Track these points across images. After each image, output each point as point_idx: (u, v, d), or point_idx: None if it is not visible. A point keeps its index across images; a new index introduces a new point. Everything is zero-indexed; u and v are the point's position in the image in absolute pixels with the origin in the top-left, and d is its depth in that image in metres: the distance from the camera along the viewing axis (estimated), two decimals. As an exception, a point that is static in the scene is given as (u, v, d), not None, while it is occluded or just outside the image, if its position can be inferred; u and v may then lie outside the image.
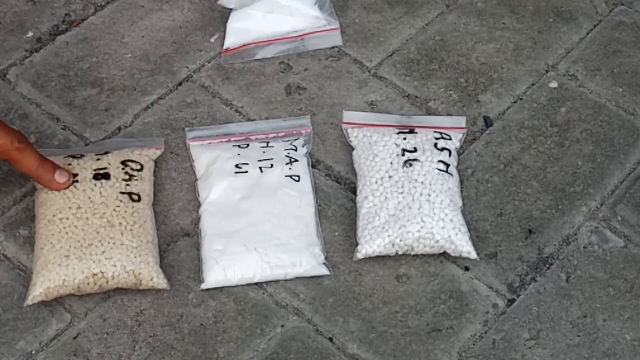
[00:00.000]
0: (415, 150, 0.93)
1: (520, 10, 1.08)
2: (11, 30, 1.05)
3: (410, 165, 0.92)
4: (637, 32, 1.07)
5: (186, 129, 0.97)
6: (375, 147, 0.94)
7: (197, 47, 1.04)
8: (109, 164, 0.91)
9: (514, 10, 1.08)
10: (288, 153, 0.94)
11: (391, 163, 0.92)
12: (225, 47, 1.03)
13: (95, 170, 0.90)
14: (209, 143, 0.96)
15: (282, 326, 0.86)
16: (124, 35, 1.05)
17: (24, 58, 1.03)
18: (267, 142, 0.96)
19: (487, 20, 1.08)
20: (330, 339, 0.86)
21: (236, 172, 0.93)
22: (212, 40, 1.05)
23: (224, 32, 1.05)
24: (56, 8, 1.07)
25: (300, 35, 1.02)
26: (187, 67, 1.03)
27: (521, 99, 1.02)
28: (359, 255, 0.89)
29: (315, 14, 1.04)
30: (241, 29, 1.03)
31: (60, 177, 0.90)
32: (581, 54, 1.05)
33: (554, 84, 1.02)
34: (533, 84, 1.03)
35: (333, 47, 1.05)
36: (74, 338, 0.85)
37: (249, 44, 1.03)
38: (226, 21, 1.04)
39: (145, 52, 1.03)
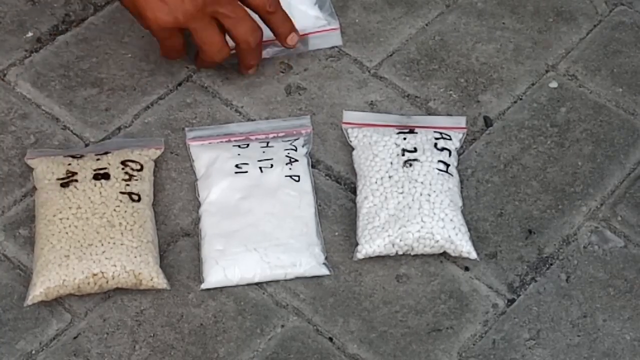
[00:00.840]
0: (415, 150, 0.93)
1: (520, 10, 1.08)
2: (11, 30, 1.05)
3: (410, 165, 0.92)
4: (637, 32, 1.07)
5: (186, 129, 0.97)
6: (375, 147, 0.94)
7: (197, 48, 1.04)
8: (109, 164, 0.91)
9: (514, 11, 1.08)
10: (288, 153, 0.94)
11: (391, 163, 0.92)
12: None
13: (95, 170, 0.90)
14: (209, 143, 0.96)
15: (282, 326, 0.86)
16: (124, 35, 1.05)
17: (24, 58, 1.03)
18: (267, 142, 0.96)
19: (487, 21, 1.08)
20: (331, 339, 0.86)
21: (236, 172, 0.93)
22: (212, 40, 1.05)
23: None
24: (56, 8, 1.07)
25: (300, 36, 1.01)
26: (187, 67, 1.03)
27: (521, 99, 1.02)
28: (359, 256, 0.89)
29: (315, 14, 1.04)
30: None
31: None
32: (581, 54, 1.05)
33: (554, 84, 1.02)
34: (533, 84, 1.03)
35: (333, 47, 1.05)
36: (74, 338, 0.85)
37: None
38: None
39: (146, 52, 1.03)
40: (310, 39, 1.04)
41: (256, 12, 0.97)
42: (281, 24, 0.99)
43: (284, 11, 0.99)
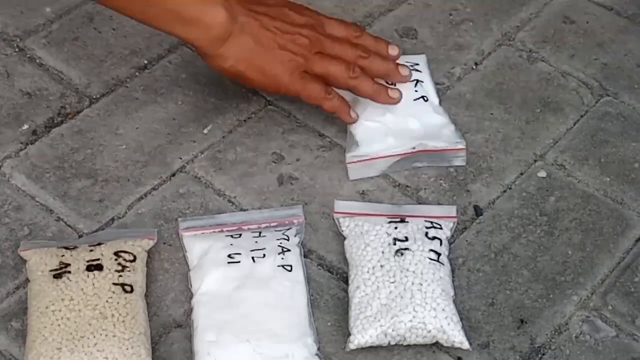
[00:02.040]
0: (406, 239, 0.93)
1: (508, 101, 1.10)
2: (7, 123, 1.06)
3: (402, 254, 0.92)
4: (623, 122, 1.08)
5: (179, 219, 0.98)
6: (366, 237, 0.94)
7: (191, 139, 1.05)
8: (102, 255, 0.92)
9: (501, 102, 1.10)
10: (280, 243, 0.95)
11: (383, 252, 0.93)
12: (353, 158, 1.03)
13: (88, 261, 0.91)
14: (202, 233, 0.96)
15: (275, 418, 0.86)
16: (118, 127, 1.06)
17: (19, 150, 1.04)
18: (260, 232, 0.96)
19: (475, 111, 1.09)
20: None
21: (229, 262, 0.93)
22: (205, 131, 1.06)
23: (219, 124, 1.07)
24: (52, 101, 1.08)
25: (425, 152, 1.03)
26: (181, 158, 1.04)
27: (510, 188, 1.03)
28: (352, 346, 0.89)
29: (444, 138, 1.04)
30: (367, 143, 1.03)
31: (393, 93, 1.03)
32: (569, 144, 1.06)
33: (542, 174, 1.04)
34: (522, 174, 1.04)
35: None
36: None
37: (374, 158, 1.03)
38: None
39: (140, 143, 1.05)
40: (440, 156, 1.03)
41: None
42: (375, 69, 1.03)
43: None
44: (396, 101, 1.03)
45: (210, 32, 0.96)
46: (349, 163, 1.03)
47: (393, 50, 1.06)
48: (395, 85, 1.05)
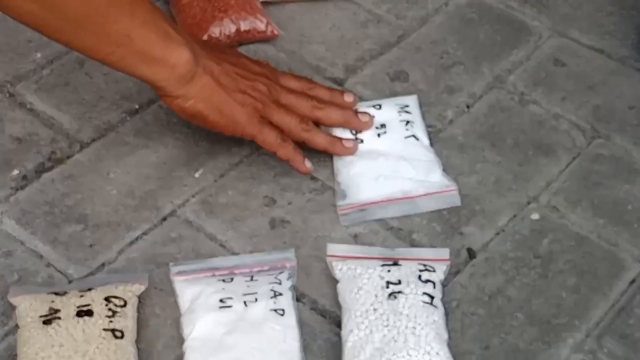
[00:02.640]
0: (399, 282, 0.93)
1: (500, 143, 1.10)
2: (-3, 168, 1.06)
3: (395, 297, 0.92)
4: (615, 164, 1.08)
5: (170, 264, 0.97)
6: (359, 280, 0.94)
7: (182, 182, 1.05)
8: (93, 300, 0.91)
9: (494, 144, 1.10)
10: (272, 287, 0.94)
11: (376, 295, 0.92)
12: (343, 206, 1.03)
13: (78, 307, 0.90)
14: (194, 278, 0.96)
15: None
16: (109, 171, 1.06)
17: (9, 196, 1.03)
18: (252, 276, 0.96)
19: (468, 154, 1.09)
20: None
21: (221, 307, 0.92)
22: (196, 175, 1.06)
23: (210, 168, 1.06)
24: (42, 146, 1.08)
25: (417, 196, 1.03)
26: (172, 202, 1.03)
27: (504, 230, 1.02)
28: (345, 391, 0.88)
29: (434, 180, 1.04)
30: (357, 189, 1.03)
31: (348, 143, 1.05)
32: (561, 186, 1.06)
33: (535, 216, 1.03)
34: (515, 216, 1.04)
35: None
36: None
37: (366, 204, 1.03)
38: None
39: (131, 187, 1.04)
40: (426, 200, 1.03)
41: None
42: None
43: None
44: (352, 151, 1.05)
45: (175, 72, 0.98)
46: (340, 212, 1.02)
47: (348, 97, 1.08)
48: (357, 134, 1.07)
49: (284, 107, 1.03)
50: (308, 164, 1.05)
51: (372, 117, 1.08)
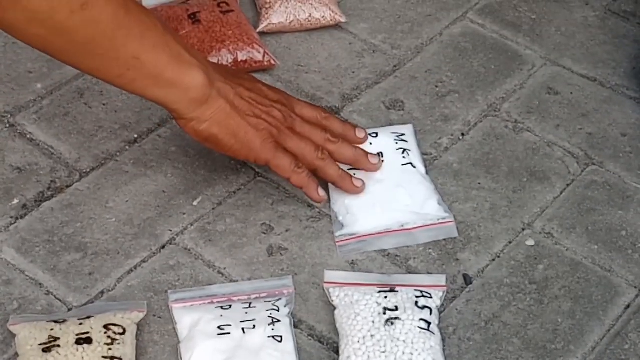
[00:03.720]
0: (396, 308, 0.93)
1: (495, 170, 1.11)
2: (-3, 197, 1.07)
3: (392, 324, 0.92)
4: (609, 190, 1.09)
5: (169, 291, 0.98)
6: (357, 306, 0.94)
7: (181, 211, 1.06)
8: (92, 328, 0.91)
9: (489, 171, 1.11)
10: (270, 313, 0.95)
11: (373, 322, 0.93)
12: (340, 237, 1.03)
13: (77, 335, 0.90)
14: (192, 305, 0.96)
15: None
16: (108, 200, 1.07)
17: (9, 225, 1.04)
18: (250, 303, 0.96)
19: (463, 181, 1.10)
20: None
21: (219, 334, 0.93)
22: (195, 203, 1.07)
23: (209, 196, 1.07)
24: (42, 175, 1.09)
25: (414, 228, 1.03)
26: (171, 230, 1.04)
27: (499, 256, 1.03)
28: (343, 417, 0.89)
29: (431, 211, 1.05)
30: (354, 220, 1.04)
31: (357, 182, 1.04)
32: (556, 212, 1.07)
33: (530, 242, 1.04)
34: (510, 242, 1.04)
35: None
36: None
37: (363, 236, 1.03)
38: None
39: (130, 216, 1.05)
40: (423, 231, 1.04)
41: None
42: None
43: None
44: (360, 190, 1.05)
45: (188, 95, 0.97)
46: (338, 243, 1.03)
47: (360, 133, 1.08)
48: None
49: (299, 134, 1.03)
50: (322, 193, 1.04)
51: (381, 161, 1.07)
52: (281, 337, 0.93)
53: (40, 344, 0.90)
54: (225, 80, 1.00)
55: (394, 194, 1.05)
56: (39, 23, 0.89)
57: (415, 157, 1.09)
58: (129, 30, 0.93)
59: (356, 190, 1.04)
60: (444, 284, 0.98)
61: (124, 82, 0.96)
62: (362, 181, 1.05)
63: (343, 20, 1.26)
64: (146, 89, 0.97)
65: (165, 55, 0.95)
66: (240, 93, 1.01)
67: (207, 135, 1.00)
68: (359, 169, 1.06)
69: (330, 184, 1.06)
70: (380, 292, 0.95)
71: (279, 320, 0.94)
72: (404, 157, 1.08)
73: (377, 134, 1.11)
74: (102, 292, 0.99)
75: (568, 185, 1.10)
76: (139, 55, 0.94)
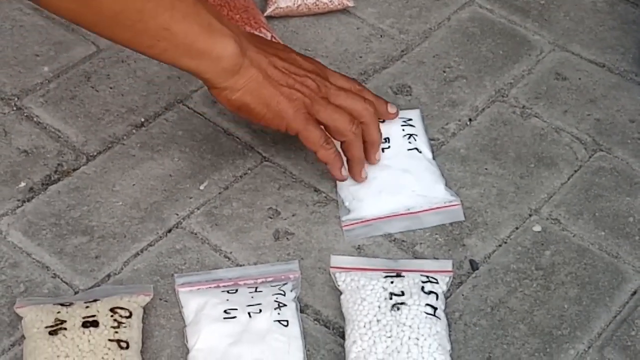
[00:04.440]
0: (402, 293, 0.93)
1: (502, 156, 1.11)
2: (4, 180, 1.06)
3: (398, 309, 0.92)
4: (616, 177, 1.09)
5: (175, 275, 0.98)
6: (363, 291, 0.94)
7: (187, 195, 1.06)
8: (98, 311, 0.91)
9: (496, 157, 1.11)
10: (276, 298, 0.95)
11: (379, 307, 0.93)
12: (347, 221, 1.03)
13: (84, 318, 0.91)
14: (198, 289, 0.96)
15: None
16: (115, 184, 1.07)
17: (16, 208, 1.04)
18: (256, 288, 0.96)
19: (470, 166, 1.10)
20: None
21: (225, 318, 0.93)
22: (201, 187, 1.07)
23: (215, 180, 1.07)
24: (49, 159, 1.09)
25: (421, 212, 1.03)
26: (177, 214, 1.04)
27: (506, 242, 1.03)
28: (348, 401, 0.89)
29: (438, 195, 1.05)
30: (361, 205, 1.04)
31: (364, 173, 1.04)
32: (563, 198, 1.07)
33: (537, 228, 1.04)
34: (517, 228, 1.04)
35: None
36: None
37: (370, 220, 1.03)
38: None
39: (136, 200, 1.05)
40: (430, 215, 1.04)
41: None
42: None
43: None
44: (362, 181, 1.04)
45: (220, 64, 0.97)
46: (344, 227, 1.03)
47: (392, 109, 1.08)
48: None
49: (333, 105, 1.02)
50: (345, 172, 1.04)
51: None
52: (287, 321, 0.93)
53: (46, 327, 0.90)
54: (258, 49, 1.00)
55: (400, 179, 1.05)
56: None
57: (422, 142, 1.09)
58: (158, 1, 0.93)
59: (360, 179, 1.04)
60: (450, 269, 0.98)
61: (155, 53, 0.96)
62: (365, 173, 1.05)
63: (351, 4, 1.26)
64: (178, 59, 0.97)
65: (196, 25, 0.95)
66: (273, 62, 1.00)
67: (239, 104, 0.99)
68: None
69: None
70: (386, 277, 0.95)
71: (285, 305, 0.94)
72: (410, 142, 1.08)
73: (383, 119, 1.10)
74: (109, 276, 0.99)
75: (575, 171, 1.10)
76: (169, 26, 0.94)
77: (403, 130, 1.09)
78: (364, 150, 1.04)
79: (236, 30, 0.99)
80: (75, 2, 0.91)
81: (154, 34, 0.94)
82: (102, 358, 0.88)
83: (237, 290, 0.96)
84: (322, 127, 1.02)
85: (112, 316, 0.91)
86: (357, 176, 1.04)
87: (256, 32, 1.19)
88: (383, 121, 1.10)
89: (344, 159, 1.04)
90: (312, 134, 1.01)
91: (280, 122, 1.00)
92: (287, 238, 1.03)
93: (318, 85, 1.02)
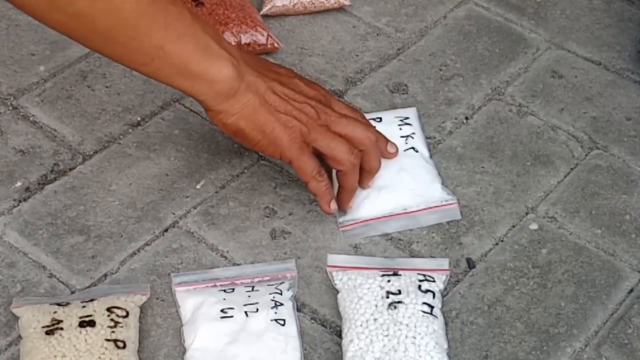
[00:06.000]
0: (399, 292, 0.94)
1: (499, 154, 1.11)
2: (0, 180, 1.06)
3: (395, 307, 0.92)
4: (613, 175, 1.09)
5: (172, 274, 0.98)
6: (359, 290, 0.94)
7: (184, 194, 1.06)
8: (95, 311, 0.91)
9: (492, 155, 1.11)
10: (273, 297, 0.95)
11: (376, 306, 0.93)
12: (344, 222, 1.03)
13: (80, 317, 0.90)
14: (195, 288, 0.96)
15: None
16: (111, 183, 1.07)
17: (12, 207, 1.04)
18: (253, 287, 0.96)
19: (466, 165, 1.10)
20: None
21: (222, 317, 0.93)
22: (198, 186, 1.07)
23: (212, 179, 1.07)
24: (45, 158, 1.09)
25: (418, 211, 1.03)
26: (174, 214, 1.04)
27: (502, 240, 1.03)
28: (346, 400, 0.89)
29: (434, 194, 1.05)
30: (358, 205, 1.04)
31: (351, 203, 1.03)
32: (560, 196, 1.07)
33: (534, 226, 1.04)
34: (514, 226, 1.04)
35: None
36: None
37: (367, 220, 1.03)
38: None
39: (132, 199, 1.05)
40: (427, 214, 1.04)
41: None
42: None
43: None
44: (349, 208, 1.03)
45: (215, 87, 0.95)
46: (341, 228, 1.03)
47: (392, 149, 1.05)
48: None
49: (333, 133, 0.99)
50: (333, 206, 1.01)
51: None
52: (284, 320, 0.93)
53: (43, 327, 0.90)
54: (258, 73, 0.98)
55: (397, 178, 1.05)
56: (59, 10, 0.89)
57: (419, 141, 1.09)
58: (153, 19, 0.91)
59: (347, 208, 1.03)
60: (447, 267, 0.98)
61: (149, 71, 0.95)
62: (348, 209, 1.03)
63: (347, 3, 1.26)
64: (172, 78, 0.95)
65: (191, 46, 0.93)
66: (272, 87, 0.98)
67: (234, 129, 0.98)
68: None
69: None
70: (383, 275, 0.95)
71: (282, 304, 0.94)
72: (407, 141, 1.08)
73: (380, 118, 1.10)
74: (105, 275, 0.99)
75: (572, 169, 1.10)
76: (163, 46, 0.92)
77: (400, 129, 1.09)
78: (359, 175, 1.02)
79: (236, 53, 0.97)
80: (66, 16, 0.89)
81: (147, 52, 0.93)
82: (99, 358, 0.88)
83: (234, 290, 0.96)
84: (321, 153, 1.00)
85: (108, 316, 0.91)
86: (344, 204, 1.03)
87: (252, 31, 1.19)
88: (380, 120, 1.10)
89: (336, 186, 1.03)
90: (306, 165, 0.99)
91: (274, 149, 0.98)
92: (283, 237, 1.03)
93: (317, 112, 0.99)
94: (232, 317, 0.93)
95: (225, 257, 1.01)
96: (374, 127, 1.04)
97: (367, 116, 1.10)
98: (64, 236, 1.02)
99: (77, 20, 0.90)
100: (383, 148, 1.04)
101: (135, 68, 0.96)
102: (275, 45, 1.20)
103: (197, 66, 0.94)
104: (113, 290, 0.95)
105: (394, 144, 1.06)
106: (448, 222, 1.04)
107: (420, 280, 0.95)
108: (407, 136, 1.08)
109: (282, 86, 0.99)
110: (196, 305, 0.94)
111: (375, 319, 0.92)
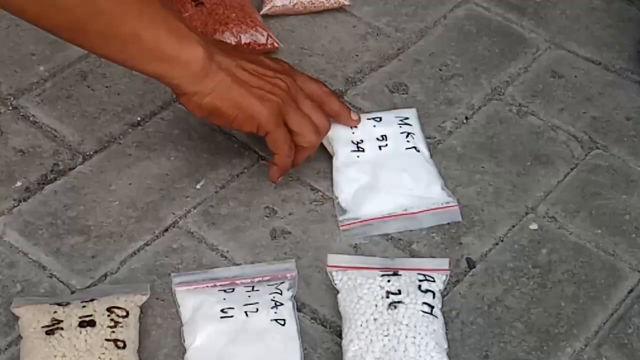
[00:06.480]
0: (399, 292, 0.94)
1: (499, 154, 1.11)
2: (0, 180, 1.06)
3: (395, 307, 0.92)
4: (613, 174, 1.09)
5: (172, 274, 0.98)
6: (359, 290, 0.94)
7: (184, 194, 1.06)
8: (95, 311, 0.91)
9: (492, 155, 1.11)
10: (273, 297, 0.95)
11: (376, 306, 0.93)
12: (344, 222, 1.04)
13: (80, 317, 0.90)
14: (195, 288, 0.96)
15: None
16: (111, 183, 1.07)
17: (12, 207, 1.04)
18: (253, 287, 0.96)
19: (466, 165, 1.10)
20: None
21: (222, 317, 0.93)
22: (198, 186, 1.07)
23: (212, 179, 1.07)
24: (45, 158, 1.09)
25: (418, 212, 1.03)
26: (174, 214, 1.04)
27: (502, 240, 1.03)
28: (346, 400, 0.89)
29: (435, 196, 1.05)
30: (358, 205, 1.04)
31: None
32: (560, 196, 1.07)
33: (534, 226, 1.04)
34: (514, 226, 1.04)
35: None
36: None
37: (367, 220, 1.03)
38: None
39: (132, 199, 1.05)
40: (427, 215, 1.04)
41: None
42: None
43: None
44: (276, 182, 1.06)
45: (189, 69, 0.97)
46: (341, 227, 1.03)
47: (354, 116, 1.09)
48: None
49: (301, 111, 1.03)
50: (281, 179, 1.05)
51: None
52: (284, 320, 0.93)
53: (43, 327, 0.90)
54: (225, 53, 1.00)
55: (397, 178, 1.05)
56: (36, 1, 0.90)
57: (419, 141, 1.09)
58: (126, 6, 0.93)
59: (275, 182, 1.06)
60: (447, 267, 0.98)
61: (124, 58, 0.96)
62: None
63: (347, 2, 1.26)
64: (146, 64, 0.97)
65: (164, 31, 0.96)
66: (241, 65, 1.01)
67: (210, 108, 0.99)
68: None
69: (333, 168, 1.06)
70: (383, 275, 0.95)
71: (282, 304, 0.94)
72: (407, 141, 1.08)
73: (380, 118, 1.10)
74: (105, 275, 0.99)
75: (572, 169, 1.10)
76: (138, 32, 0.94)
77: (400, 128, 1.09)
78: (296, 150, 1.04)
79: (202, 36, 1.00)
80: (41, 6, 0.90)
81: (122, 39, 0.94)
82: (99, 358, 0.88)
83: (234, 290, 0.96)
84: (287, 126, 1.02)
85: (108, 316, 0.91)
86: (275, 178, 1.05)
87: (252, 31, 1.19)
88: (380, 119, 1.10)
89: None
90: (282, 137, 1.01)
91: (252, 123, 1.00)
92: (283, 237, 1.03)
93: (289, 86, 1.02)
94: (232, 317, 0.93)
95: (225, 257, 1.01)
96: (337, 102, 1.07)
97: (367, 116, 1.10)
98: (64, 236, 1.02)
99: (53, 10, 0.91)
100: (345, 117, 1.08)
101: (111, 56, 0.97)
102: (275, 45, 1.20)
103: (172, 49, 0.96)
104: (113, 290, 0.95)
105: (356, 112, 1.10)
106: (448, 223, 1.04)
107: (420, 280, 0.95)
108: (408, 135, 1.08)
109: (250, 63, 1.02)
110: (196, 305, 0.94)
111: (375, 319, 0.92)
